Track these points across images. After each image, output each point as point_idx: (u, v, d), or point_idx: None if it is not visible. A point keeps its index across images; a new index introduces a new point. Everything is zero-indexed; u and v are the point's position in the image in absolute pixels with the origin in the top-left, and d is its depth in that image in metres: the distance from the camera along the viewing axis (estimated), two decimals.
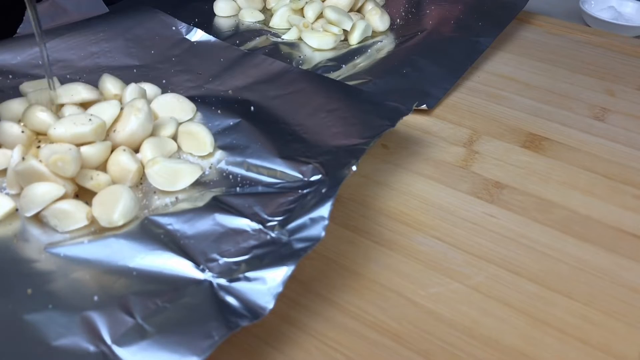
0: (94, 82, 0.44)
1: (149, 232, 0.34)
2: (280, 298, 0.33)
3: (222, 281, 0.30)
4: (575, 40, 0.67)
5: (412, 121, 0.50)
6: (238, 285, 0.30)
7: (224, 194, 0.36)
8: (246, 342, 0.32)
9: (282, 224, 0.33)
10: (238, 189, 0.37)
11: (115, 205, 0.34)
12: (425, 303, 0.34)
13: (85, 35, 0.51)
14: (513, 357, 0.32)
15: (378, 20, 0.62)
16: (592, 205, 0.43)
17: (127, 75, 0.46)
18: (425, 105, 0.50)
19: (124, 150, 0.37)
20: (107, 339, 0.27)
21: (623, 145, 0.49)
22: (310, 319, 0.33)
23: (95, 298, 0.30)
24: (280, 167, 0.38)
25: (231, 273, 0.31)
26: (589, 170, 0.46)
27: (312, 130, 0.41)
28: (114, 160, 0.37)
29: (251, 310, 0.29)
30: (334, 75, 0.54)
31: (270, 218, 0.34)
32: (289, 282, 0.34)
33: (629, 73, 0.61)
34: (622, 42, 0.67)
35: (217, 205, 0.35)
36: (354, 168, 0.36)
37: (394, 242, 0.38)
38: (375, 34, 0.62)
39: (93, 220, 0.35)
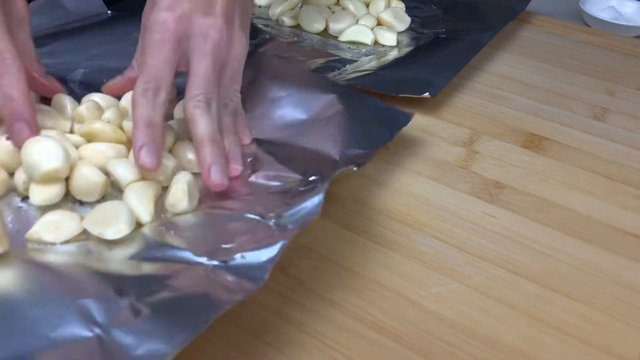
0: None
1: (146, 229, 0.34)
2: (280, 298, 0.34)
3: (218, 263, 0.30)
4: (575, 40, 0.67)
5: (412, 121, 0.50)
6: (234, 263, 0.30)
7: (223, 199, 0.37)
8: (245, 342, 0.32)
9: (280, 214, 0.33)
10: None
11: (110, 222, 0.33)
12: (425, 303, 0.34)
13: (86, 38, 0.52)
14: (513, 357, 0.32)
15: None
16: (592, 205, 0.43)
17: None
18: (428, 93, 0.49)
19: None
20: (102, 321, 0.27)
21: (623, 145, 0.49)
22: (310, 319, 0.33)
23: (90, 286, 0.30)
24: (281, 172, 0.38)
25: (227, 255, 0.31)
26: (589, 170, 0.46)
27: (312, 139, 0.41)
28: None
29: (246, 284, 0.29)
30: (336, 71, 0.54)
31: (268, 211, 0.34)
32: (289, 282, 0.34)
33: (629, 73, 0.61)
34: (622, 42, 0.67)
35: (215, 206, 0.36)
36: (355, 168, 0.36)
37: (394, 242, 0.38)
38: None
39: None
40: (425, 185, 0.43)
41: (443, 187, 0.43)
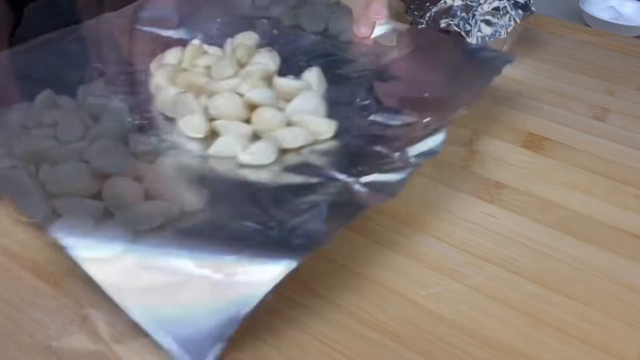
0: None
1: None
2: (280, 298, 0.33)
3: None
4: (575, 40, 0.67)
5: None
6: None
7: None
8: (246, 342, 0.31)
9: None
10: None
11: None
12: (425, 303, 0.34)
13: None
14: (513, 357, 0.32)
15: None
16: (592, 205, 0.43)
17: None
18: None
19: None
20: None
21: (623, 145, 0.49)
22: (310, 319, 0.33)
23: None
24: (398, 114, 0.43)
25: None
26: (589, 170, 0.46)
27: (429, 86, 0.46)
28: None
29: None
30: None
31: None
32: (289, 282, 0.34)
33: (629, 73, 0.61)
34: (622, 42, 0.67)
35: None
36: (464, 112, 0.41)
37: (394, 242, 0.38)
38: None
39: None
40: (425, 185, 0.43)
41: (443, 187, 0.43)
